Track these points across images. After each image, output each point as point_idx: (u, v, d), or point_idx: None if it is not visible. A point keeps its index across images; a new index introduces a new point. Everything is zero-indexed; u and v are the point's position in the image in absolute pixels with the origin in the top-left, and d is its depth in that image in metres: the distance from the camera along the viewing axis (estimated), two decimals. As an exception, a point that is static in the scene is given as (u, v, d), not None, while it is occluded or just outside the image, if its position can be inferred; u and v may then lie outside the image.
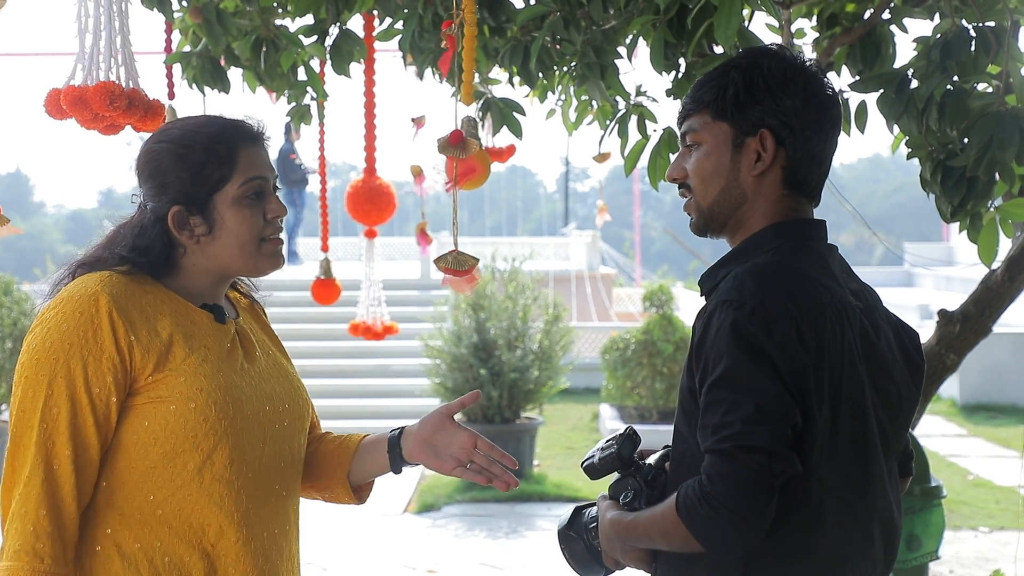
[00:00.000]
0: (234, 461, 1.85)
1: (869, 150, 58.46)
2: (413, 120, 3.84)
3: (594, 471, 1.91)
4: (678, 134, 2.97)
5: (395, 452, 2.06)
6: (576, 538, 1.92)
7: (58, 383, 1.77)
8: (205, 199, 1.89)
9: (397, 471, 2.08)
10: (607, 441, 1.92)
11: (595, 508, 1.94)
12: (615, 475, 1.91)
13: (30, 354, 1.79)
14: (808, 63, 1.85)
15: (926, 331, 4.86)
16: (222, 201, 1.89)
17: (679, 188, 1.92)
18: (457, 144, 2.57)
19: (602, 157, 3.89)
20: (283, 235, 2.01)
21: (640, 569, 1.86)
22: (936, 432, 10.29)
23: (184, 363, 1.83)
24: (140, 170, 1.93)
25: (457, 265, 2.64)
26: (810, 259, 1.81)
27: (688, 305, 15.18)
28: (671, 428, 1.88)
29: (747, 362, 1.64)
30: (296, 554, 2.01)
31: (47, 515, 1.75)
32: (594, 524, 1.91)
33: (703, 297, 1.86)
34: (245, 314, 2.05)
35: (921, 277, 21.06)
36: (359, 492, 2.14)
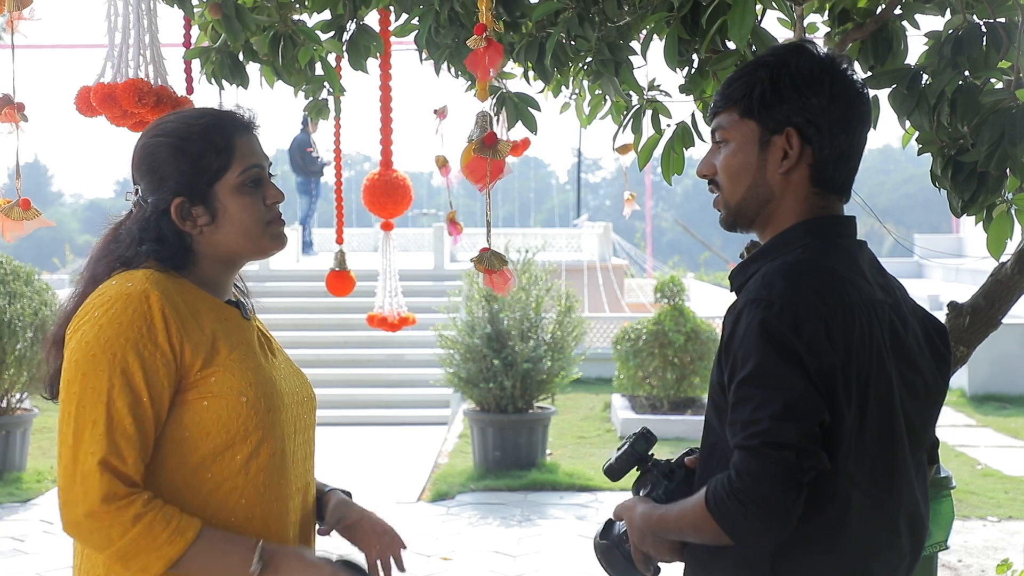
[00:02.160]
0: (276, 452, 1.88)
1: (879, 141, 58.17)
2: (435, 111, 3.86)
3: (613, 471, 1.98)
4: (691, 128, 3.05)
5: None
6: (611, 546, 1.98)
7: (119, 377, 1.76)
8: (206, 189, 1.90)
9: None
10: (623, 443, 2.00)
11: None
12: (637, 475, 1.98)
13: (85, 351, 1.78)
14: (837, 59, 1.85)
15: (936, 323, 4.86)
16: (223, 190, 1.91)
17: (708, 184, 1.93)
18: (491, 145, 2.63)
19: (624, 149, 3.91)
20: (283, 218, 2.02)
21: (671, 561, 1.90)
22: (945, 422, 10.31)
23: (229, 359, 1.85)
24: (137, 165, 1.93)
25: (492, 265, 2.68)
26: (839, 256, 1.81)
27: (699, 296, 15.21)
28: (682, 418, 1.93)
29: (775, 360, 1.66)
30: (314, 544, 2.04)
31: (112, 477, 1.73)
32: (627, 531, 1.96)
33: (733, 292, 1.87)
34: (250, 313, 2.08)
35: (931, 268, 21.04)
36: None
